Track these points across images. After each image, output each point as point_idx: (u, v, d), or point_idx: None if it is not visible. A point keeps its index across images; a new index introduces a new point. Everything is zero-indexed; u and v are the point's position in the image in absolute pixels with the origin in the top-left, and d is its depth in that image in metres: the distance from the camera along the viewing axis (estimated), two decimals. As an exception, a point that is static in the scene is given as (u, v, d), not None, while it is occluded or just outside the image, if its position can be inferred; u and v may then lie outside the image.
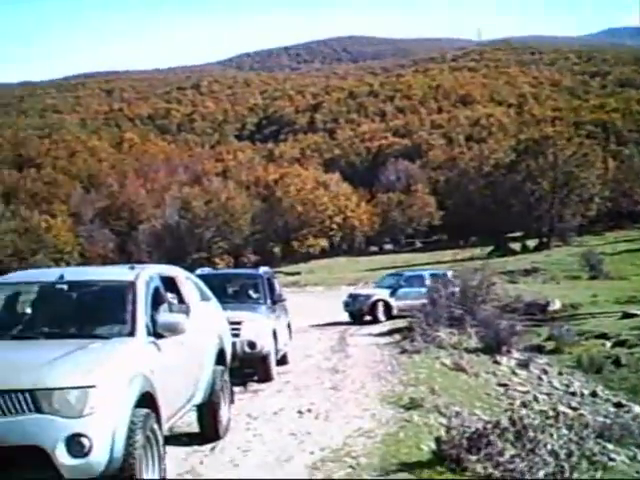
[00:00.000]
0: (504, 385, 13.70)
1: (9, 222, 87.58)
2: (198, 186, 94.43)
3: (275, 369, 12.93)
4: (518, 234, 74.28)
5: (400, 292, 24.84)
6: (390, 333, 20.11)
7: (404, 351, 15.83)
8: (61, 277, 7.17)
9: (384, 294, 24.92)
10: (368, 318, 24.46)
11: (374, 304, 24.58)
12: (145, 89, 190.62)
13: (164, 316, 6.85)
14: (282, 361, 14.11)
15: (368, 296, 25.19)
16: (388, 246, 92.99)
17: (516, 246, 67.42)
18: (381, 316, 24.30)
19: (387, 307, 24.57)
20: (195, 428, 8.45)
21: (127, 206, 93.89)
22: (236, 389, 10.09)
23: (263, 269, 15.17)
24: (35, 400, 5.23)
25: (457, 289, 21.10)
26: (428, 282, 24.50)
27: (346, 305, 25.41)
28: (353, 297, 25.79)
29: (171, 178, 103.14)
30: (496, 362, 15.96)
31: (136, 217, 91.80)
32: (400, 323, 21.24)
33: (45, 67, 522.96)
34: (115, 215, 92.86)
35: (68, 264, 70.57)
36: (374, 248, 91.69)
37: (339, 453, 7.61)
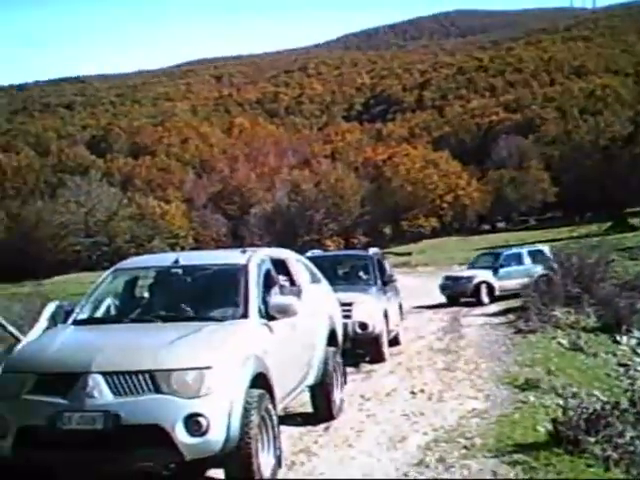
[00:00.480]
0: (624, 365, 13.22)
1: (126, 209, 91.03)
2: (307, 168, 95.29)
3: (387, 350, 12.93)
4: (637, 209, 71.35)
5: (501, 272, 23.78)
6: (504, 313, 19.76)
7: (519, 331, 15.52)
8: (176, 262, 7.39)
9: (487, 275, 23.74)
10: (465, 300, 23.49)
11: (477, 286, 23.47)
12: (253, 74, 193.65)
13: (276, 298, 6.98)
14: (394, 342, 14.07)
15: (470, 278, 23.89)
16: (501, 224, 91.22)
17: (636, 221, 64.81)
18: (485, 298, 23.27)
19: (490, 289, 23.58)
20: (309, 408, 8.56)
21: (238, 190, 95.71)
22: (348, 370, 10.14)
23: (373, 250, 15.19)
24: (154, 381, 5.44)
25: (556, 266, 20.46)
26: (527, 260, 23.92)
27: (443, 288, 24.43)
28: (452, 279, 24.79)
29: (280, 161, 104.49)
30: (616, 341, 15.45)
31: (247, 201, 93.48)
32: (513, 303, 20.79)
33: (159, 55, 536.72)
34: (227, 199, 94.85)
35: (183, 249, 72.57)
36: (486, 227, 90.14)
37: (453, 434, 7.57)
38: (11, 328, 9.91)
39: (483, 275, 23.86)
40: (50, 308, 10.34)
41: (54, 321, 10.22)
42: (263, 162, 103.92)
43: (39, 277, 66.70)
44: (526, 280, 20.57)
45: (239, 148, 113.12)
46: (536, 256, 23.87)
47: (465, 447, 7.03)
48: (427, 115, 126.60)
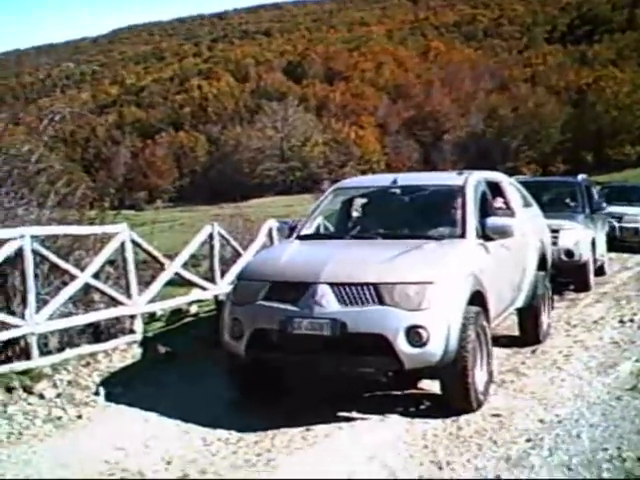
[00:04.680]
0: None
1: (320, 135, 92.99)
2: (505, 93, 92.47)
3: (593, 279, 12.66)
4: None
5: None
6: None
7: None
8: (394, 182, 7.64)
9: None
10: None
11: None
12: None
13: (493, 219, 7.05)
14: (599, 272, 13.72)
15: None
16: None
17: None
18: None
19: None
20: (514, 332, 8.64)
21: (432, 116, 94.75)
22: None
23: (581, 176, 14.74)
24: (379, 293, 5.74)
25: None
26: None
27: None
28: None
29: (477, 86, 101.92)
30: None
31: (441, 127, 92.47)
32: None
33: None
34: (420, 125, 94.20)
35: (375, 174, 73.27)
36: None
37: (666, 364, 7.37)
38: (234, 243, 10.69)
39: None
40: (267, 226, 11.09)
41: (270, 237, 10.98)
42: (459, 87, 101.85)
43: (236, 200, 70.10)
44: None
45: (434, 73, 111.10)
46: None
47: (681, 376, 6.84)
48: (638, 35, 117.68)
